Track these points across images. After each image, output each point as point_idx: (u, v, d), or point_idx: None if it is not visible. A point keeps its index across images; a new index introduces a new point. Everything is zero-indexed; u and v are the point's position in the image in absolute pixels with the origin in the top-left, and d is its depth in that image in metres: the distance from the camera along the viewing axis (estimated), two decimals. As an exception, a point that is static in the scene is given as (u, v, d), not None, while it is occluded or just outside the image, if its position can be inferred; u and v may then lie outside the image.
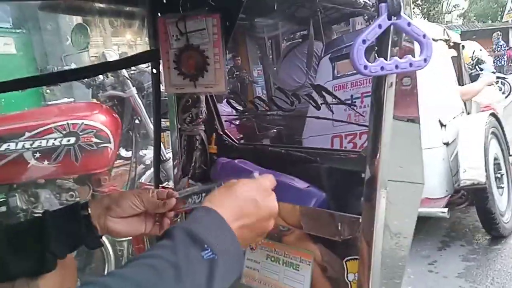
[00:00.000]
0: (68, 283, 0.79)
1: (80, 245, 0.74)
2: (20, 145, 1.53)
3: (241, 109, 1.56)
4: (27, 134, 1.55)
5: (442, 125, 2.32)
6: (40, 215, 0.74)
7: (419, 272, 2.13)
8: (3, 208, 1.64)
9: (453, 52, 3.03)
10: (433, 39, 2.58)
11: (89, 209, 0.73)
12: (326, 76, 1.39)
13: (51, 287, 0.73)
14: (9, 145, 1.51)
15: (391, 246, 0.83)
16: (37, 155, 1.57)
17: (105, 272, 1.70)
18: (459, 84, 3.07)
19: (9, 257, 0.68)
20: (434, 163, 2.23)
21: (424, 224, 2.73)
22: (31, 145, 1.55)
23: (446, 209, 2.07)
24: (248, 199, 0.59)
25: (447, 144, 2.31)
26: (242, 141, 1.37)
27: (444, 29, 2.92)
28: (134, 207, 0.74)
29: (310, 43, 2.12)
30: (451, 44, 2.92)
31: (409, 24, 0.60)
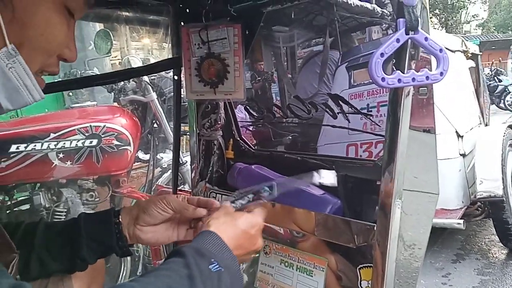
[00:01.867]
0: (98, 279, 0.84)
1: (110, 253, 0.78)
2: (45, 146, 1.60)
3: (256, 115, 1.59)
4: (52, 135, 1.62)
5: (459, 136, 2.31)
6: (75, 218, 0.77)
7: (432, 284, 2.11)
8: (27, 206, 1.71)
9: (471, 63, 3.01)
10: (451, 50, 2.58)
11: (120, 218, 0.76)
12: (342, 85, 1.41)
13: (82, 283, 0.77)
14: (35, 145, 1.58)
15: (405, 256, 0.84)
16: (61, 155, 1.63)
17: (121, 272, 1.74)
18: (477, 95, 3.04)
19: (46, 257, 0.73)
20: (450, 174, 2.23)
21: (439, 236, 2.70)
22: (55, 145, 1.62)
23: (462, 221, 2.06)
24: (246, 233, 0.68)
25: (463, 155, 2.29)
26: (256, 147, 1.40)
27: (462, 40, 2.91)
28: (162, 212, 0.76)
29: (325, 52, 2.14)
30: (469, 55, 2.90)
31: (426, 38, 0.62)
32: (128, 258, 1.76)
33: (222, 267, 0.57)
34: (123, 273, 1.75)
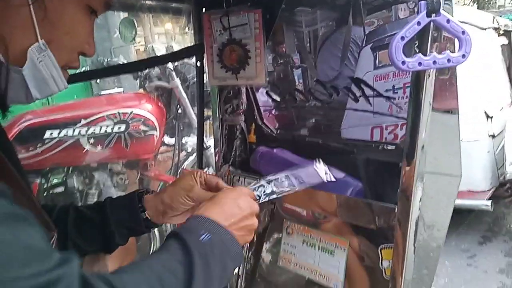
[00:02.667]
0: (130, 257, 0.90)
1: (141, 234, 0.85)
2: (76, 132, 1.68)
3: (279, 99, 1.60)
4: (83, 122, 1.70)
5: (488, 116, 2.23)
6: (102, 205, 0.82)
7: (457, 266, 2.10)
8: (62, 188, 1.82)
9: (504, 40, 2.87)
10: (481, 28, 2.46)
11: (146, 210, 0.81)
12: (367, 67, 1.38)
13: (116, 261, 0.84)
14: (67, 132, 1.67)
15: (425, 237, 0.85)
16: (92, 140, 1.71)
17: (151, 248, 1.84)
18: (509, 74, 2.91)
19: (80, 241, 0.79)
20: (478, 156, 2.17)
21: (465, 218, 2.66)
22: (86, 131, 1.70)
23: (489, 202, 2.03)
24: (231, 202, 0.71)
25: (493, 136, 2.22)
26: (279, 131, 1.42)
27: (494, 17, 2.77)
28: (187, 206, 0.80)
29: (348, 32, 2.09)
30: (501, 32, 2.76)
31: (448, 21, 0.61)
32: (157, 235, 1.84)
33: (211, 234, 0.61)
34: (153, 249, 1.84)
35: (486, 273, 2.02)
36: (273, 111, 1.97)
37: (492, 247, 2.28)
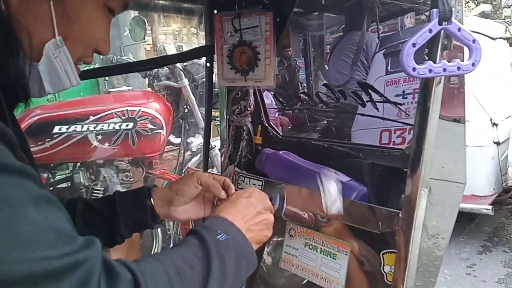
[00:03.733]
0: (134, 253, 0.91)
1: (145, 229, 0.86)
2: (85, 128, 1.70)
3: (282, 102, 1.61)
4: (91, 118, 1.72)
5: (494, 124, 2.28)
6: (110, 197, 0.83)
7: (456, 274, 2.10)
8: (68, 184, 1.84)
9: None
10: (492, 38, 2.49)
11: (152, 200, 0.83)
12: (379, 71, 1.41)
13: (120, 256, 0.85)
14: (76, 127, 1.68)
15: (428, 244, 0.85)
16: (99, 137, 1.73)
17: (153, 247, 1.85)
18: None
19: (86, 232, 0.80)
20: (483, 161, 2.22)
21: (466, 227, 2.66)
22: (94, 128, 1.72)
23: (490, 207, 2.06)
24: (243, 200, 0.75)
25: (497, 143, 2.27)
26: (289, 132, 1.44)
27: (506, 27, 2.79)
28: (194, 188, 0.83)
29: (362, 38, 2.11)
30: (513, 42, 2.78)
31: (459, 29, 0.62)
32: (160, 235, 1.86)
33: (229, 236, 0.63)
34: (155, 248, 1.86)
35: (485, 282, 2.02)
36: (278, 114, 1.98)
37: (491, 257, 2.28)
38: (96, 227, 0.80)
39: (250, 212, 0.72)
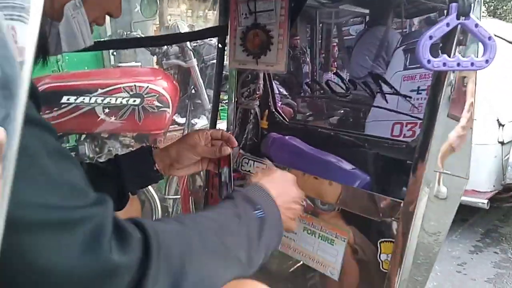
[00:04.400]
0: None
1: (148, 184, 0.91)
2: (93, 100, 1.71)
3: (286, 91, 1.61)
4: (100, 91, 1.73)
5: (500, 124, 2.35)
6: (111, 159, 0.87)
7: (447, 271, 2.14)
8: (73, 154, 1.85)
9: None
10: (509, 41, 2.52)
11: (155, 161, 0.87)
12: (397, 67, 1.42)
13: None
14: (84, 99, 1.69)
15: (425, 236, 0.87)
16: (107, 110, 1.74)
17: (153, 216, 1.88)
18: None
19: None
20: (485, 159, 2.32)
21: (459, 227, 2.70)
22: (102, 100, 1.72)
23: (486, 201, 2.20)
24: (289, 184, 0.77)
25: (502, 143, 2.35)
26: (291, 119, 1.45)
27: None
28: (192, 160, 0.88)
29: (386, 33, 2.11)
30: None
31: (476, 25, 0.63)
32: (160, 211, 1.88)
33: (266, 213, 0.64)
34: (155, 216, 1.88)
35: (474, 281, 2.06)
36: (280, 103, 1.99)
37: (482, 257, 2.32)
38: (102, 186, 0.79)
39: (288, 195, 0.74)
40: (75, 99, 1.69)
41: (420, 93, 1.04)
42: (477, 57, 0.67)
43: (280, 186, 0.73)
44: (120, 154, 0.89)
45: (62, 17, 0.60)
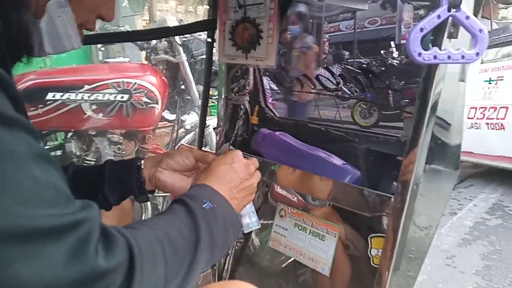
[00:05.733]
0: (125, 220, 0.91)
1: (129, 195, 0.83)
2: (79, 96, 1.67)
3: (279, 88, 1.60)
4: (86, 87, 1.69)
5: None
6: (103, 163, 0.82)
7: (436, 265, 2.17)
8: (59, 152, 1.82)
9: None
10: None
11: (142, 162, 0.81)
12: None
13: (111, 222, 0.85)
14: (70, 95, 1.65)
15: (416, 230, 0.87)
16: (94, 107, 1.70)
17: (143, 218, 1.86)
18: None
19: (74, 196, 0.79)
20: None
21: (448, 220, 2.74)
22: (89, 97, 1.69)
23: None
24: (227, 168, 0.72)
25: None
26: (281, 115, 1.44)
27: None
28: (186, 160, 0.81)
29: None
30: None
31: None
32: (150, 209, 1.86)
33: (214, 203, 0.63)
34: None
35: (463, 273, 2.09)
36: (271, 99, 1.98)
37: (471, 250, 2.36)
38: (84, 191, 0.77)
39: (233, 180, 0.71)
40: (61, 96, 1.65)
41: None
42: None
43: (222, 175, 0.71)
44: (110, 161, 0.83)
45: (43, 14, 0.56)
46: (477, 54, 0.65)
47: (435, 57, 0.64)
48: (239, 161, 0.75)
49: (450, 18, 0.64)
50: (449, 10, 0.62)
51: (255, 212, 0.87)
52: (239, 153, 0.77)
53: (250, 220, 0.86)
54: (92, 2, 0.62)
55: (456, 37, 0.67)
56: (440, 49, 0.65)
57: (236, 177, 0.72)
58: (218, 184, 0.68)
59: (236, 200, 0.70)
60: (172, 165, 0.81)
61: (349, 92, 1.25)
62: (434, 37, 0.69)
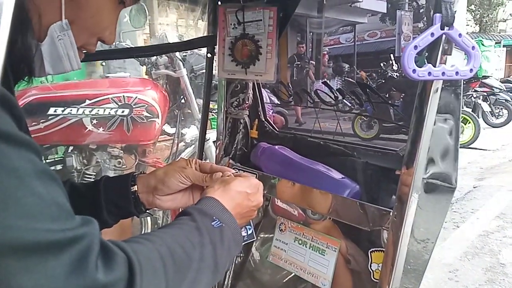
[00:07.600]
0: (125, 234, 0.91)
1: (129, 216, 0.82)
2: (80, 111, 1.69)
3: (277, 100, 1.62)
4: (88, 102, 1.71)
5: None
6: (97, 181, 0.81)
7: (438, 278, 2.15)
8: (60, 166, 1.82)
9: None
10: None
11: (137, 187, 0.79)
12: None
13: (111, 236, 0.84)
14: (71, 110, 1.67)
15: (415, 245, 0.87)
16: (95, 121, 1.72)
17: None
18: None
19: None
20: None
21: (450, 233, 2.72)
22: (90, 112, 1.70)
23: None
24: (243, 194, 0.74)
25: None
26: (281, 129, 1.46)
27: None
28: (180, 184, 0.80)
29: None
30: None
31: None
32: (149, 224, 1.86)
33: (223, 223, 0.64)
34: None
35: (466, 287, 2.07)
36: (272, 112, 1.99)
37: (474, 263, 2.34)
38: (79, 211, 0.78)
39: (244, 207, 0.73)
40: (62, 111, 1.67)
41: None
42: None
43: (235, 197, 0.72)
44: (105, 178, 0.81)
45: (44, 37, 0.58)
46: (471, 70, 0.66)
47: (429, 73, 0.65)
48: (255, 192, 0.76)
49: (444, 36, 0.66)
50: (442, 28, 0.64)
51: (251, 225, 0.88)
52: (261, 186, 0.79)
53: (245, 233, 0.87)
54: (94, 27, 0.63)
55: (450, 54, 0.68)
56: (434, 66, 0.66)
57: (247, 205, 0.74)
58: (230, 203, 0.69)
59: (243, 219, 0.73)
60: (168, 191, 0.80)
61: (350, 105, 1.28)
62: (429, 54, 0.71)
